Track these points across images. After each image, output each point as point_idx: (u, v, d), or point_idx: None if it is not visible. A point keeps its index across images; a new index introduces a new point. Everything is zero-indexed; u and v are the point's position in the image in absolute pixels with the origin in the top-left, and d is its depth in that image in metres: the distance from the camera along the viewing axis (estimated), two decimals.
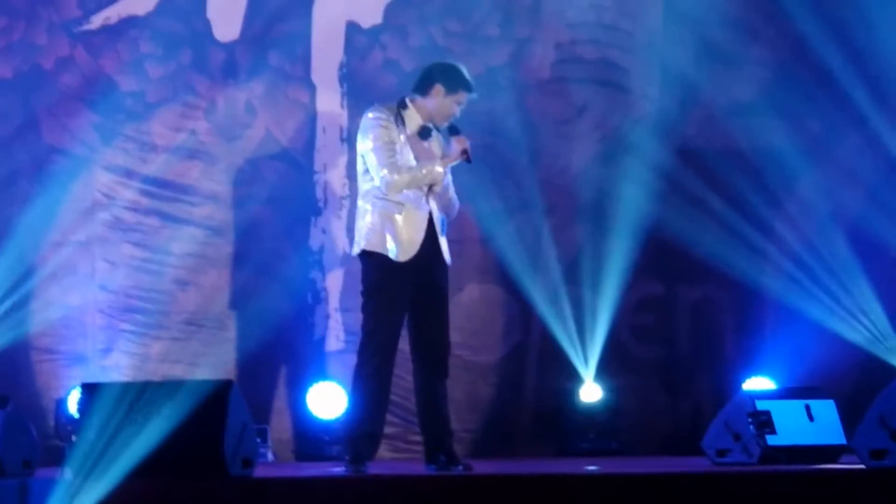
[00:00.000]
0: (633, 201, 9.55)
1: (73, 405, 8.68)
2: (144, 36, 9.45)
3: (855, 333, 9.42)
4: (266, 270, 9.38)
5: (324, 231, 9.58)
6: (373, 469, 6.71)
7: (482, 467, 6.89)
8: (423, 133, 6.95)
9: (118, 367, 9.20)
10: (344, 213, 9.47)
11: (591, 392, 9.46)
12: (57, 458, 7.64)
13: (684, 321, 9.83)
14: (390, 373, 6.85)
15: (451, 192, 6.98)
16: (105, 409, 6.10)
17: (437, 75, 6.94)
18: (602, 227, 9.59)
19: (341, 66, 9.66)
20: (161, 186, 9.42)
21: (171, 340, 9.31)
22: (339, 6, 9.66)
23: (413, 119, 6.94)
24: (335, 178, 9.58)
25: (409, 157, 6.87)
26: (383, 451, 7.53)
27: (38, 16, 9.36)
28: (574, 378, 9.48)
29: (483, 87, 9.07)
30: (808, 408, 7.08)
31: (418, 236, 6.83)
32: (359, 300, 6.96)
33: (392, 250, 6.80)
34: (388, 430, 7.32)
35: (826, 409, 7.11)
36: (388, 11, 9.71)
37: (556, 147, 9.80)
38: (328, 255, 9.55)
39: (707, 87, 9.73)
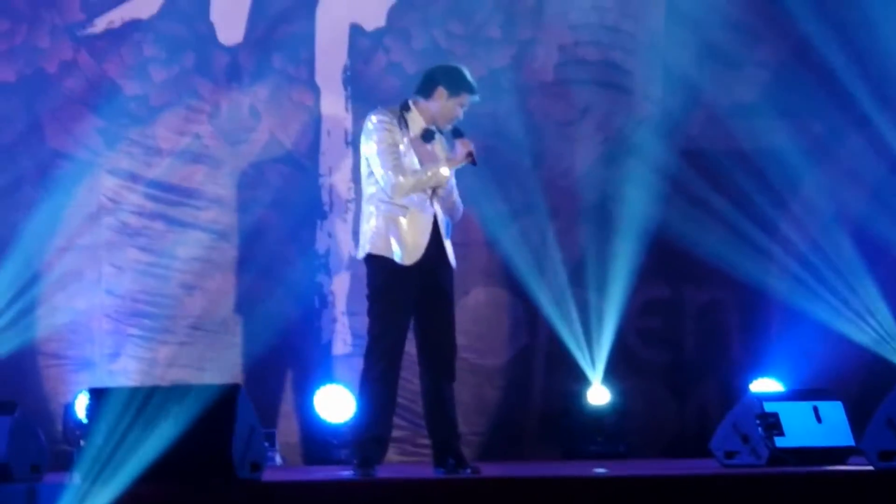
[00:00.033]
0: (637, 203, 9.55)
1: (80, 410, 8.67)
2: (148, 39, 9.45)
3: (861, 334, 9.42)
4: (272, 274, 9.38)
5: (329, 235, 9.58)
6: (381, 472, 6.72)
7: (490, 470, 6.90)
8: (427, 136, 6.95)
9: (126, 372, 9.19)
10: (349, 216, 9.48)
11: (598, 395, 9.46)
12: (65, 462, 7.62)
13: (691, 323, 9.83)
14: (397, 376, 6.85)
15: (455, 195, 6.99)
16: (113, 413, 6.10)
17: (440, 78, 6.94)
18: (607, 229, 9.59)
19: (345, 69, 9.66)
20: (166, 190, 9.42)
21: (178, 345, 9.31)
22: (342, 9, 9.66)
23: (416, 122, 6.94)
24: (340, 181, 9.58)
25: (413, 160, 6.87)
26: (392, 455, 7.53)
27: (41, 19, 9.36)
28: (581, 381, 9.48)
29: (486, 89, 9.06)
30: (815, 409, 7.09)
31: (423, 239, 6.84)
32: (365, 304, 6.96)
33: (397, 253, 6.80)
34: (396, 433, 7.33)
35: (834, 411, 7.11)
36: (392, 14, 9.71)
37: (560, 149, 9.80)
38: (334, 259, 9.55)
39: (710, 89, 9.74)
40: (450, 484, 6.34)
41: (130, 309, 9.30)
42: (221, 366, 9.21)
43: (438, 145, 7.00)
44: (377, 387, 6.78)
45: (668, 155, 9.69)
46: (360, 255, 6.94)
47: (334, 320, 9.52)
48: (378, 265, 6.84)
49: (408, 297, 6.83)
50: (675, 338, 9.81)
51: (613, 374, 9.51)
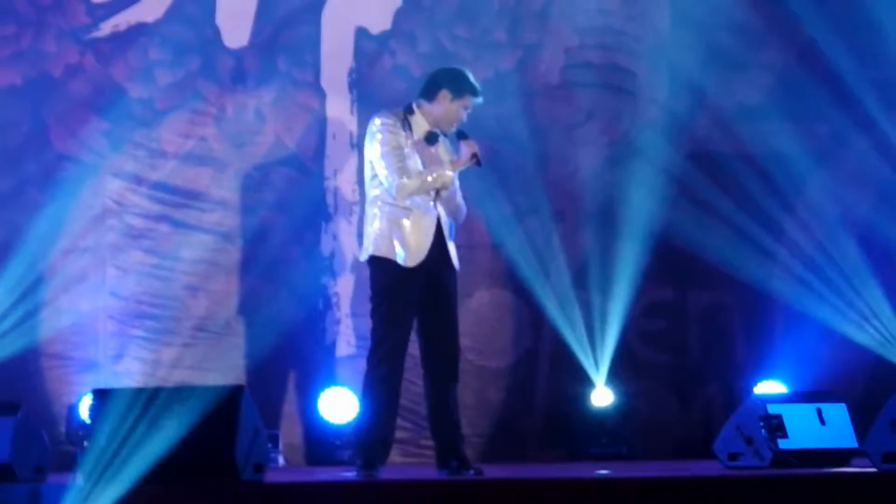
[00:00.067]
0: (642, 206, 9.55)
1: (84, 411, 8.70)
2: (153, 43, 9.46)
3: (866, 336, 9.41)
4: (276, 276, 9.39)
5: (334, 237, 9.59)
6: (384, 474, 6.72)
7: (493, 472, 6.89)
8: (430, 139, 6.95)
9: (129, 373, 9.21)
10: (354, 218, 9.48)
11: (602, 396, 9.46)
12: (68, 463, 7.58)
13: (695, 325, 9.82)
14: (400, 378, 6.86)
15: (459, 197, 6.99)
16: (116, 414, 6.11)
17: (443, 81, 6.95)
18: (611, 231, 9.59)
19: (350, 72, 9.67)
20: (171, 193, 9.43)
21: (182, 346, 9.32)
22: (347, 12, 9.67)
23: (420, 125, 6.95)
24: (345, 183, 9.58)
25: (417, 163, 6.88)
26: (395, 456, 7.54)
27: (47, 23, 9.39)
28: (585, 383, 9.48)
29: (491, 92, 9.07)
30: (819, 411, 7.07)
31: (426, 241, 6.84)
32: (369, 305, 6.97)
33: (400, 255, 6.81)
34: (399, 434, 7.34)
35: (838, 413, 7.10)
36: (397, 17, 9.72)
37: (565, 152, 9.81)
38: (338, 261, 9.56)
39: (715, 91, 9.74)
40: (453, 486, 6.34)
41: (134, 310, 9.32)
42: (225, 367, 9.22)
43: (442, 148, 7.01)
44: (380, 388, 6.78)
45: (673, 158, 9.69)
46: (364, 257, 6.95)
47: (338, 322, 9.53)
48: (381, 267, 6.85)
49: (411, 299, 6.83)
50: (679, 340, 9.80)
51: (617, 376, 9.50)
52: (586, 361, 9.47)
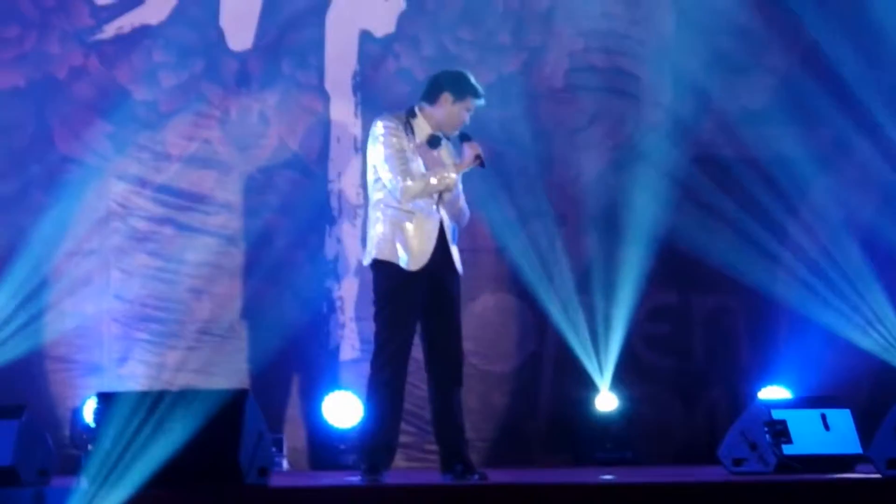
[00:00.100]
0: (645, 209, 9.55)
1: (88, 414, 8.70)
2: (157, 45, 9.46)
3: (870, 342, 9.41)
4: (280, 279, 9.39)
5: (338, 240, 9.58)
6: (389, 478, 6.72)
7: (497, 476, 6.89)
8: (433, 142, 6.95)
9: (134, 377, 9.21)
10: (358, 222, 9.48)
11: (606, 401, 9.46)
12: (72, 467, 7.62)
13: (699, 330, 9.82)
14: (403, 382, 6.85)
15: (462, 200, 6.98)
16: (121, 418, 6.10)
17: (445, 83, 6.94)
18: (615, 235, 9.59)
19: (354, 75, 9.67)
20: (175, 196, 9.43)
21: (186, 349, 9.32)
22: (352, 15, 9.67)
23: (422, 128, 6.94)
24: (349, 187, 9.58)
25: (420, 166, 6.86)
26: (399, 461, 7.54)
27: (50, 25, 9.39)
28: (589, 387, 9.47)
29: (495, 95, 9.10)
30: (823, 417, 7.07)
31: (429, 245, 6.83)
32: (372, 309, 6.96)
33: (403, 258, 6.80)
34: (403, 439, 7.33)
35: (842, 419, 7.10)
36: (401, 20, 9.72)
37: (569, 155, 9.80)
38: (342, 264, 9.56)
39: (719, 95, 9.74)
40: (457, 490, 6.33)
41: (139, 314, 9.32)
42: (229, 371, 9.22)
43: (445, 151, 7.00)
44: (384, 392, 6.77)
45: (677, 161, 9.68)
46: (367, 261, 6.94)
47: (342, 326, 9.53)
48: (384, 270, 6.84)
49: (414, 303, 6.83)
50: (683, 344, 9.80)
51: (621, 380, 9.50)
52: (590, 366, 9.47)
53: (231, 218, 9.47)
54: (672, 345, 9.77)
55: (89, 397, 8.69)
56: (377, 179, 6.88)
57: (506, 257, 9.56)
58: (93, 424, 6.48)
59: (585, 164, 9.80)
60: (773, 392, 9.24)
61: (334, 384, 9.36)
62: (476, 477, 6.72)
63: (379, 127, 6.89)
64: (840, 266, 9.53)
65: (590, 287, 9.58)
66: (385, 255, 6.83)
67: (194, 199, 9.45)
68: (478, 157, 6.89)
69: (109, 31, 9.47)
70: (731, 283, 9.56)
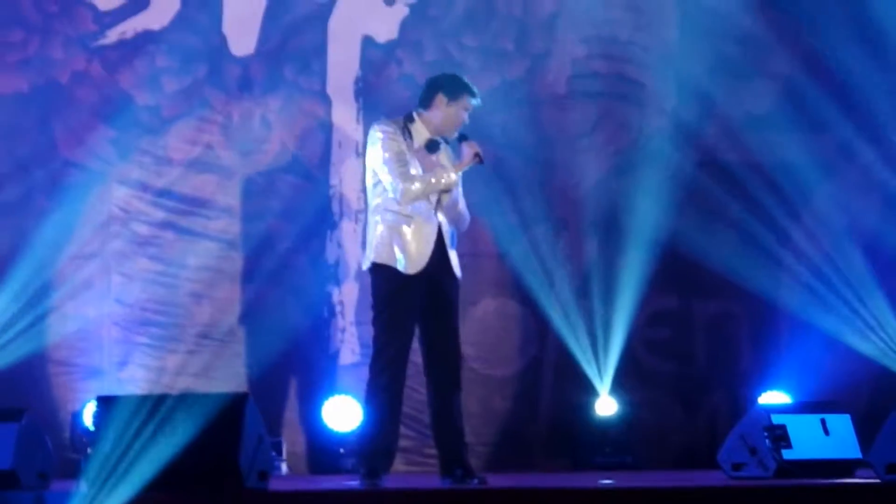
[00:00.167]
0: (647, 215, 9.55)
1: (88, 418, 8.70)
2: (160, 50, 9.47)
3: (870, 347, 9.41)
4: (281, 284, 9.39)
5: (339, 245, 9.59)
6: (388, 482, 6.71)
7: (497, 481, 6.88)
8: (431, 146, 6.94)
9: (134, 380, 9.21)
10: (359, 226, 9.48)
11: (606, 406, 9.46)
12: (72, 470, 7.61)
13: (699, 335, 9.82)
14: (402, 386, 6.85)
15: (462, 204, 6.98)
16: (121, 421, 6.10)
17: (438, 85, 6.95)
18: (617, 240, 9.59)
19: (357, 81, 9.68)
20: (177, 200, 9.44)
21: (186, 353, 9.32)
22: (354, 21, 9.68)
23: (420, 133, 6.94)
24: (350, 191, 9.59)
25: (418, 170, 6.86)
26: (399, 465, 7.53)
27: (53, 30, 9.40)
28: (589, 392, 9.47)
29: (498, 101, 9.12)
30: (823, 422, 7.07)
31: (427, 249, 6.83)
32: (370, 313, 6.96)
33: (400, 262, 6.80)
34: (403, 443, 7.33)
35: (842, 424, 7.09)
36: (404, 26, 9.73)
37: (571, 161, 9.80)
38: (343, 269, 9.56)
39: (722, 100, 9.75)
40: (457, 494, 6.33)
41: (139, 317, 9.33)
42: (229, 375, 9.23)
43: (444, 155, 6.99)
44: (383, 396, 6.77)
45: (680, 167, 9.69)
46: (366, 265, 6.94)
47: (342, 330, 9.53)
48: (382, 274, 6.84)
49: (412, 306, 6.82)
50: (684, 349, 9.79)
51: (622, 385, 9.50)
52: (591, 370, 9.47)
53: (232, 222, 9.47)
54: (673, 349, 9.76)
55: (89, 401, 8.69)
56: (376, 184, 6.88)
57: (507, 262, 9.56)
58: (93, 428, 6.49)
59: (587, 170, 9.80)
60: (772, 397, 9.23)
61: (334, 388, 9.37)
62: (475, 481, 6.71)
63: (377, 131, 6.90)
64: (842, 271, 9.52)
65: (590, 292, 9.58)
66: (383, 259, 6.83)
67: (196, 204, 9.46)
68: (476, 154, 6.89)
69: (112, 36, 9.48)
70: (733, 288, 9.56)
